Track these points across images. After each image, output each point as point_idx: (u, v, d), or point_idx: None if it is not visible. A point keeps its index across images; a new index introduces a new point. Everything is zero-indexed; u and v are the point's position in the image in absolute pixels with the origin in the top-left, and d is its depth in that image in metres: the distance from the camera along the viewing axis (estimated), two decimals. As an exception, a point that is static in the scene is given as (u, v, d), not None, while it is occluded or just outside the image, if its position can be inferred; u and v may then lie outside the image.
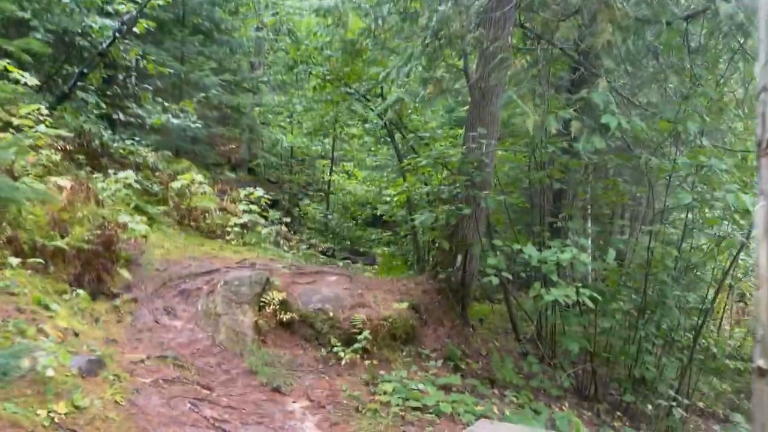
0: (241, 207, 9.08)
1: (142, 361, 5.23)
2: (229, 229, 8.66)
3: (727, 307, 7.40)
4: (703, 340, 6.92)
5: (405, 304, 6.83)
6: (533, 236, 7.97)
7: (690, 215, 7.37)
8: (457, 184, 7.16)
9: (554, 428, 5.75)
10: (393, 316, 6.70)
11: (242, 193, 9.41)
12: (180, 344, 5.86)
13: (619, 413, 6.59)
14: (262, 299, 6.51)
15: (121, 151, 8.70)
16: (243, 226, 8.78)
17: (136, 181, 7.67)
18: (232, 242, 8.52)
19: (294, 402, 5.32)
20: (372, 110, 9.12)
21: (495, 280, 6.20)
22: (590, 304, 5.78)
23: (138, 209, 7.94)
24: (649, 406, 6.65)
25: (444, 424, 5.34)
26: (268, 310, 6.44)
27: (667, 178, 7.37)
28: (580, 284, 6.08)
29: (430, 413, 5.40)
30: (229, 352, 5.98)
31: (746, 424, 5.92)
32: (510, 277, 6.32)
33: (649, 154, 7.29)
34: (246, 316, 6.35)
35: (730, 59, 7.69)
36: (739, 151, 7.81)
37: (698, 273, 7.13)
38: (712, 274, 6.96)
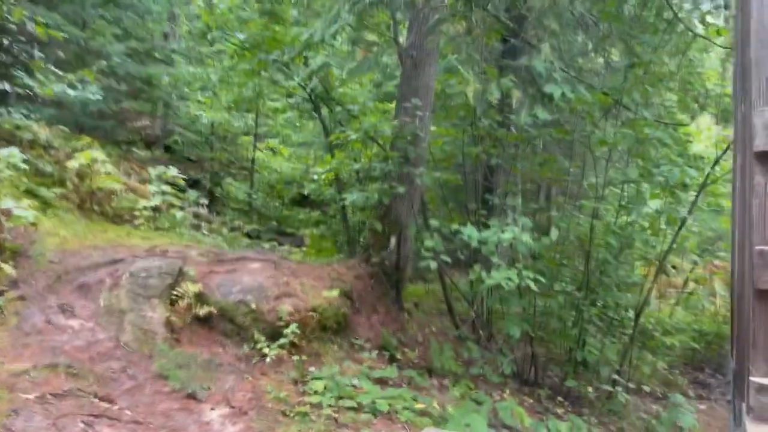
0: (152, 188, 8.20)
1: (27, 372, 4.44)
2: (137, 213, 7.79)
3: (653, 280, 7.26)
4: (643, 319, 6.75)
5: (336, 292, 6.28)
6: (468, 215, 7.58)
7: (626, 191, 7.16)
8: (390, 161, 6.62)
9: (497, 419, 5.40)
10: (323, 306, 6.13)
11: (153, 172, 8.51)
12: (76, 348, 5.08)
13: (561, 398, 6.32)
14: (175, 292, 5.79)
15: (6, 126, 7.61)
16: (154, 209, 7.93)
17: (24, 160, 6.67)
18: (142, 227, 7.67)
19: (212, 409, 4.69)
20: (295, 80, 8.40)
21: (433, 264, 5.74)
22: (533, 287, 5.42)
23: (29, 192, 6.96)
24: (590, 390, 6.43)
25: (381, 423, 4.86)
26: (181, 304, 5.73)
27: (607, 151, 7.13)
28: (520, 265, 5.70)
29: (366, 413, 4.91)
30: (135, 354, 5.25)
31: (689, 405, 5.77)
32: (449, 260, 5.88)
33: (583, 127, 7.01)
34: (156, 312, 5.62)
35: (663, 30, 7.48)
36: (674, 124, 7.66)
37: (639, 249, 6.93)
38: (657, 249, 6.77)
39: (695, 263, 9.48)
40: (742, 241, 2.99)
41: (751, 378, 2.67)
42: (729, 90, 9.15)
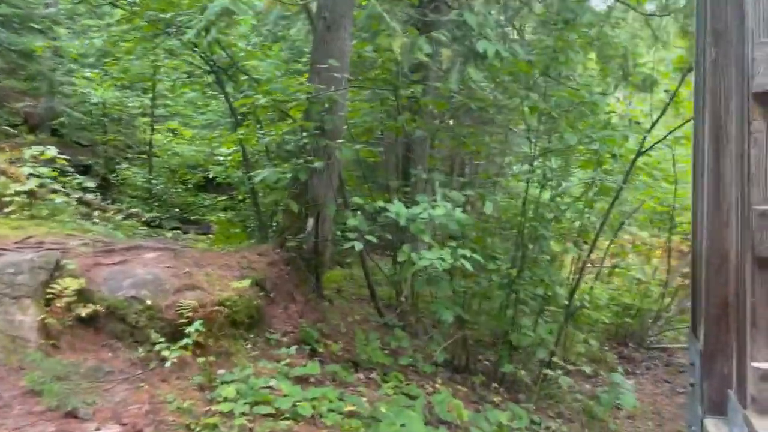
0: (25, 170, 7.05)
1: None
2: (8, 199, 6.65)
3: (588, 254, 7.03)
4: (575, 296, 6.47)
5: (247, 282, 5.53)
6: (389, 192, 7.03)
7: (554, 162, 6.86)
8: (305, 133, 5.91)
9: (433, 415, 4.89)
10: (232, 298, 5.37)
11: (27, 152, 7.35)
12: None
13: (495, 384, 5.92)
14: (51, 289, 4.84)
15: None
16: (29, 194, 6.80)
17: None
18: (13, 216, 6.56)
19: (97, 430, 3.86)
20: (195, 50, 7.50)
21: (358, 245, 5.12)
22: (469, 267, 4.92)
23: None
24: (524, 373, 6.06)
25: (303, 430, 4.22)
26: (59, 304, 4.79)
27: (535, 121, 6.77)
28: (453, 244, 5.20)
29: (286, 419, 4.24)
30: (2, 367, 4.31)
31: (627, 385, 5.51)
32: (375, 240, 5.28)
33: (510, 95, 6.62)
34: (27, 315, 4.67)
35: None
36: (600, 93, 7.41)
37: (567, 223, 6.64)
38: (590, 220, 6.49)
39: (614, 236, 9.43)
40: (723, 202, 2.57)
41: (753, 363, 2.26)
42: (643, 62, 9.08)
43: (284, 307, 5.97)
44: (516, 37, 7.95)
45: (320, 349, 5.69)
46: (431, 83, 6.56)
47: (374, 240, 5.20)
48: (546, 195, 6.56)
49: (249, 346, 5.35)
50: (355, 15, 6.71)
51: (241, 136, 7.10)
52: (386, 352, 5.92)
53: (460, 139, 7.26)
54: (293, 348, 5.38)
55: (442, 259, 4.83)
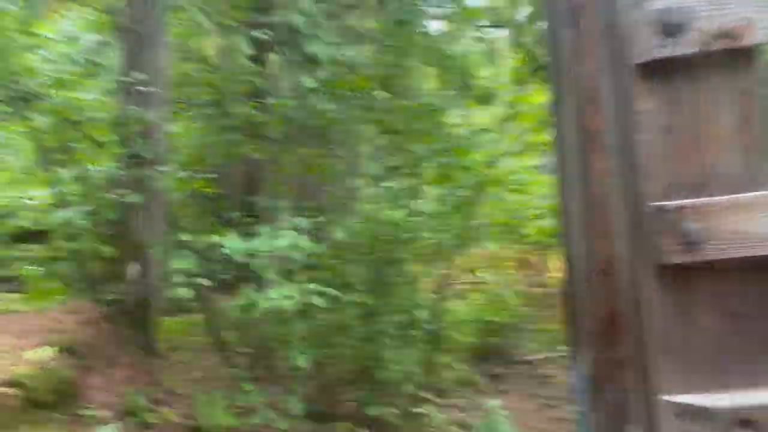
0: None
1: None
2: None
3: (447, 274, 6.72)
4: (440, 321, 6.07)
5: (50, 350, 4.45)
6: (231, 225, 6.24)
7: (403, 180, 6.47)
8: (117, 161, 4.97)
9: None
10: (30, 374, 4.27)
11: None
12: None
13: (364, 430, 5.28)
14: None
15: None
16: None
17: None
18: None
19: None
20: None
21: (187, 292, 4.28)
22: (320, 303, 4.28)
23: None
24: (394, 411, 5.51)
25: None
26: None
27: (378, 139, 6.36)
28: (302, 278, 4.54)
29: None
30: None
31: (503, 413, 5.13)
32: (207, 283, 4.47)
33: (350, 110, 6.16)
34: None
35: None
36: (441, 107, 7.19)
37: (423, 242, 6.25)
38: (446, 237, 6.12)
39: (469, 251, 9.30)
40: (601, 201, 2.17)
41: (665, 397, 1.85)
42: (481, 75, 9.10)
43: (104, 374, 4.93)
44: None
45: (152, 420, 4.72)
46: (268, 101, 5.91)
47: (207, 283, 4.39)
48: (399, 215, 6.15)
49: (55, 428, 4.28)
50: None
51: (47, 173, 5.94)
52: (236, 411, 5.08)
53: (305, 162, 6.65)
54: (115, 424, 4.39)
55: (290, 297, 4.15)
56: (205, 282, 4.46)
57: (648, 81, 1.79)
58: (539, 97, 9.06)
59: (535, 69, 7.51)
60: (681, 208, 1.68)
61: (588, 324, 2.45)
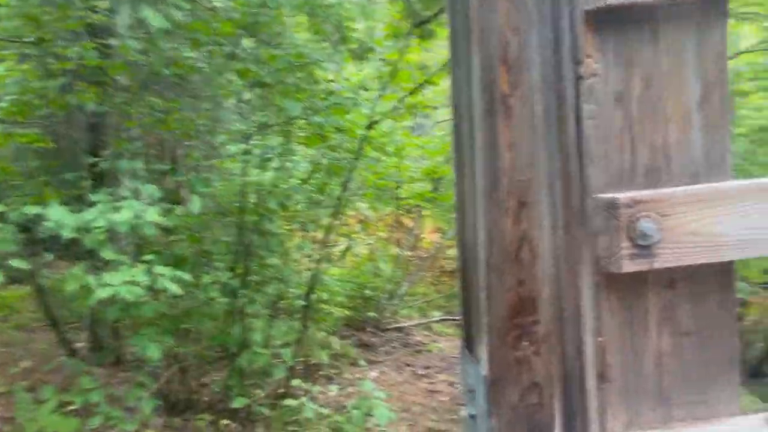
0: None
1: None
2: None
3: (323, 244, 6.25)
4: (314, 294, 5.59)
5: None
6: (69, 189, 5.29)
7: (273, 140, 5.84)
8: None
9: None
10: None
11: None
12: None
13: (226, 421, 4.73)
14: None
15: None
16: None
17: None
18: None
19: None
20: None
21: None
22: (174, 288, 3.63)
23: None
24: (260, 401, 5.01)
25: None
26: None
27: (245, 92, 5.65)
28: (151, 257, 3.83)
29: None
30: None
31: (378, 392, 4.79)
32: (28, 266, 3.62)
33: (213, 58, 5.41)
34: None
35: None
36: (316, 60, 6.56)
37: (298, 210, 5.70)
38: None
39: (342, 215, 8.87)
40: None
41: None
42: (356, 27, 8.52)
43: None
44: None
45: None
46: (107, 42, 4.96)
47: (25, 266, 3.56)
48: (268, 175, 5.52)
49: None
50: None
51: None
52: (72, 411, 4.31)
53: (159, 116, 5.76)
54: None
55: (134, 284, 3.45)
56: (23, 266, 3.61)
57: (597, 35, 1.34)
58: (417, 54, 8.69)
59: (416, 24, 7.08)
60: (635, 202, 1.26)
61: (488, 319, 1.93)
